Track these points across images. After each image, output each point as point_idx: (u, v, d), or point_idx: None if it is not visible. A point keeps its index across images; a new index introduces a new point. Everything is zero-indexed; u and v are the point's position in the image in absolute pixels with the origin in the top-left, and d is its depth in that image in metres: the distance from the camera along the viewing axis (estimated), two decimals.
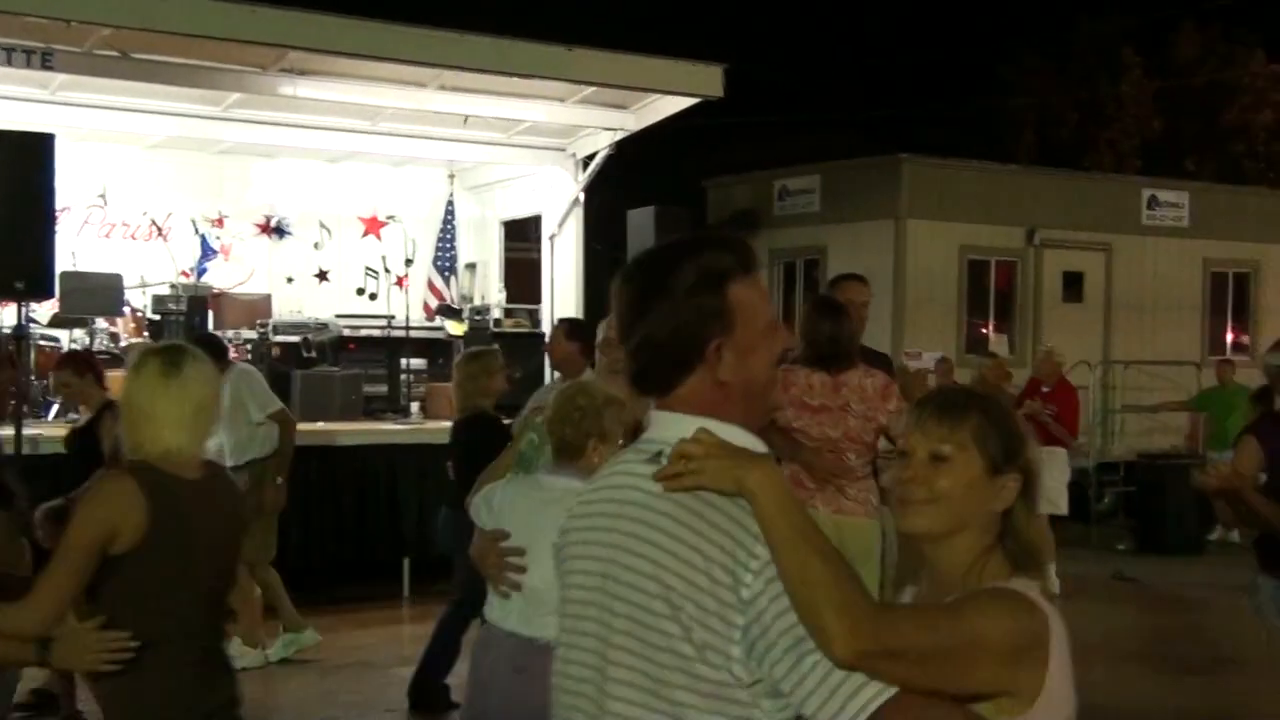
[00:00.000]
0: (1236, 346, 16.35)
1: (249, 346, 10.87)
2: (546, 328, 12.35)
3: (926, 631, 1.78)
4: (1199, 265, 16.20)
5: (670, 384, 1.92)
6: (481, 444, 5.77)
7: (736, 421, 1.90)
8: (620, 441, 3.29)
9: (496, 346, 6.52)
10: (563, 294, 12.17)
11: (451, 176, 12.94)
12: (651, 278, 1.98)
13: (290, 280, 12.42)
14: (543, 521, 3.15)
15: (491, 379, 6.13)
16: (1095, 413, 14.57)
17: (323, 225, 12.65)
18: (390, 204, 12.66)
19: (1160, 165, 22.29)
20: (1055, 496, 9.52)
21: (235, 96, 10.36)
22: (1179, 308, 15.94)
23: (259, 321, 11.21)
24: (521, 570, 3.22)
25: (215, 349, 6.58)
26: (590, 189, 12.02)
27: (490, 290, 13.22)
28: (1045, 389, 9.67)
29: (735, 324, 1.92)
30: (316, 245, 12.63)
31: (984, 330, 15.10)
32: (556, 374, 6.37)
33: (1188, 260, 16.04)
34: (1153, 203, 15.94)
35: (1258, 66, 25.14)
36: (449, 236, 12.86)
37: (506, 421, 6.22)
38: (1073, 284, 15.42)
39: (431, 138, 11.60)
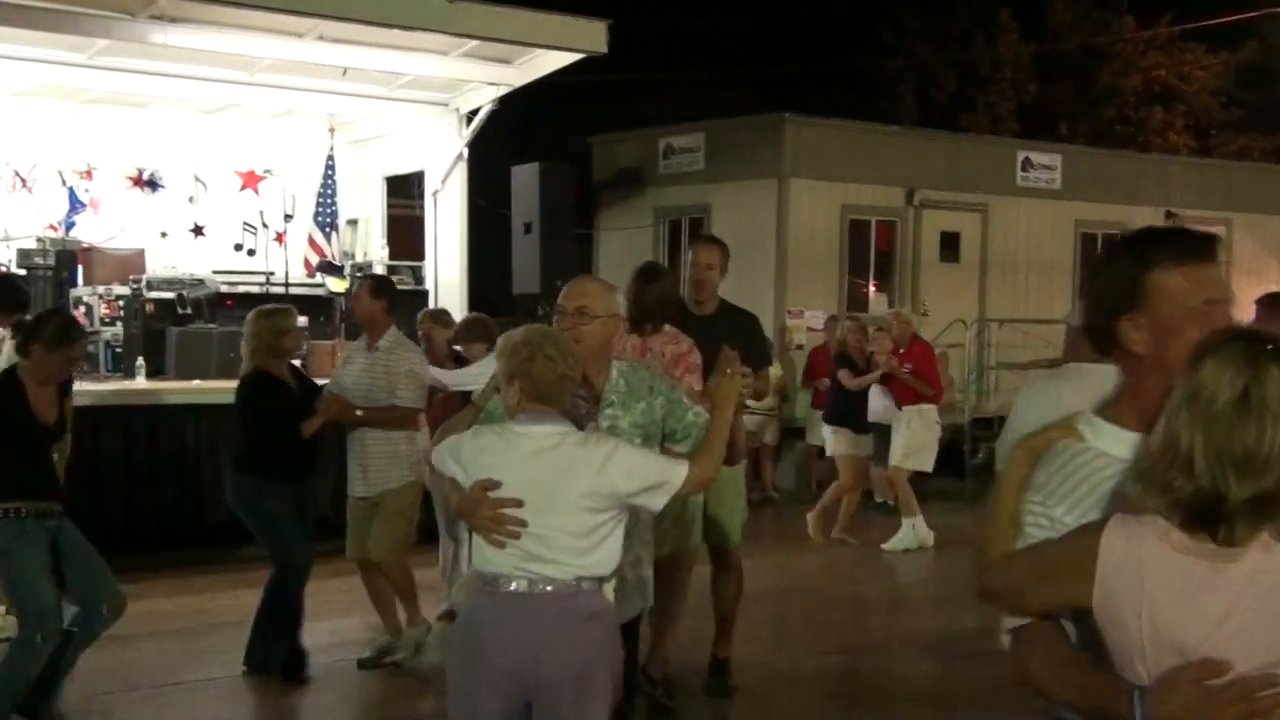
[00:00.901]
0: None
1: (121, 303, 10.56)
2: (431, 285, 12.24)
3: None
4: (1070, 226, 16.69)
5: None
6: (265, 404, 5.73)
7: None
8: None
9: (291, 306, 6.36)
10: (446, 251, 12.06)
11: (332, 130, 12.68)
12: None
13: (164, 235, 12.08)
14: (539, 471, 3.22)
15: (281, 338, 5.96)
16: (970, 370, 14.98)
17: (198, 179, 12.31)
18: (268, 158, 12.36)
19: (1035, 128, 22.84)
20: (923, 453, 9.80)
21: (102, 43, 9.99)
22: (1051, 268, 16.43)
23: (132, 277, 10.89)
24: (521, 522, 3.20)
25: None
26: (474, 145, 11.90)
27: (372, 247, 13.03)
28: (900, 350, 9.93)
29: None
30: (191, 199, 12.29)
31: (865, 289, 15.38)
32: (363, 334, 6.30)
33: (1060, 221, 16.52)
34: (1027, 165, 16.36)
35: (1128, 32, 25.86)
36: (330, 192, 12.62)
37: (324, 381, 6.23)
38: (950, 244, 15.78)
39: (310, 90, 11.35)
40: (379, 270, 12.29)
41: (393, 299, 6.24)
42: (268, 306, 6.25)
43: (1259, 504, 1.79)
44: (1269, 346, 1.84)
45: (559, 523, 3.20)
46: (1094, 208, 16.82)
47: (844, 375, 9.77)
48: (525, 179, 10.70)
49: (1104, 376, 4.64)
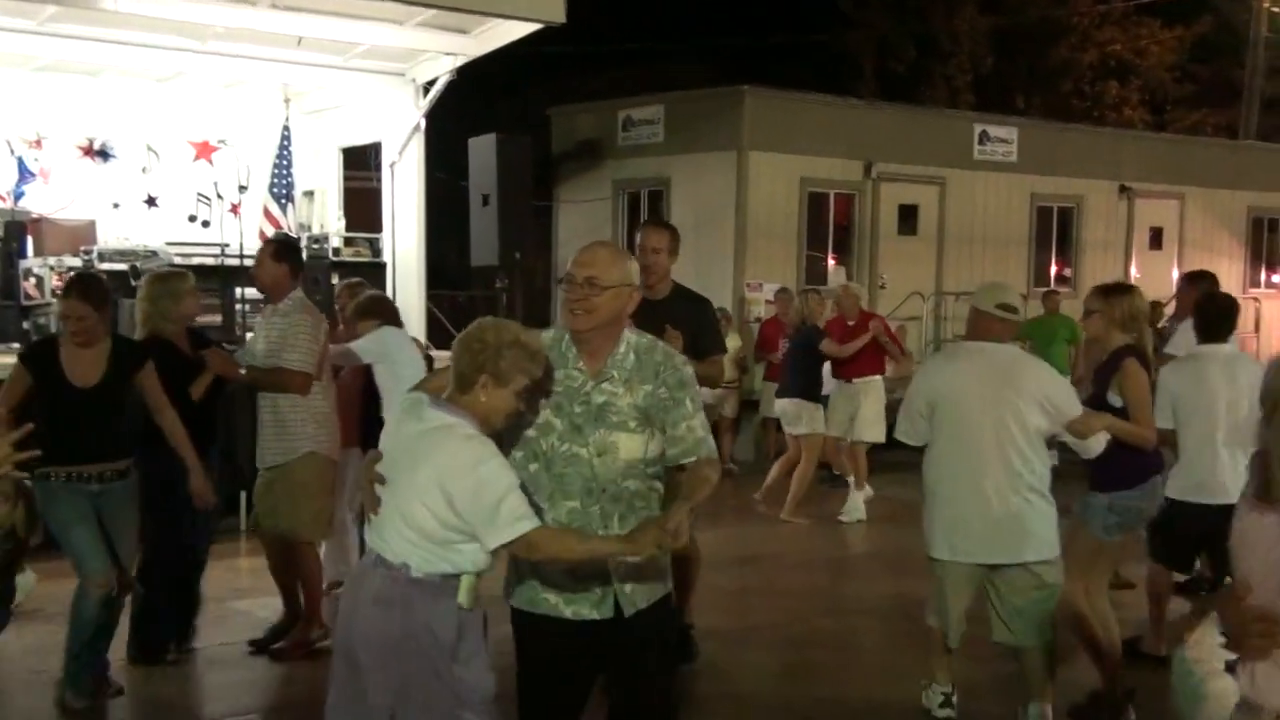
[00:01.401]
0: (1060, 279, 17.09)
1: (72, 275, 10.40)
2: (388, 257, 12.16)
3: None
4: (1026, 199, 16.82)
5: None
6: (158, 369, 5.48)
7: None
8: (520, 387, 3.19)
9: (187, 271, 6.23)
10: (404, 223, 11.97)
11: (287, 100, 12.52)
12: None
13: (116, 206, 11.90)
14: (413, 448, 3.16)
15: (177, 303, 5.77)
16: (928, 342, 15.09)
17: (150, 149, 12.13)
18: (222, 128, 12.20)
19: (993, 101, 22.96)
20: (873, 424, 9.90)
21: (52, 9, 9.80)
22: (1007, 241, 16.56)
23: (83, 249, 10.74)
24: (377, 497, 3.20)
25: None
26: (432, 116, 11.80)
27: (329, 219, 12.92)
28: (850, 323, 10.00)
29: None
30: (144, 169, 12.11)
31: (824, 262, 15.43)
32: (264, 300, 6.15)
33: (1016, 194, 16.64)
34: (984, 138, 16.45)
35: (1084, 7, 26.01)
36: (285, 163, 12.47)
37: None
38: (908, 217, 15.86)
39: (264, 59, 11.20)
40: (336, 243, 12.19)
41: (296, 263, 6.10)
42: (162, 270, 6.09)
43: None
44: None
45: (398, 504, 3.17)
46: (1049, 181, 16.96)
47: (828, 344, 9.75)
48: (483, 151, 10.61)
49: (994, 354, 4.86)
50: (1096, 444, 4.82)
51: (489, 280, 10.27)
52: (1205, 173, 18.63)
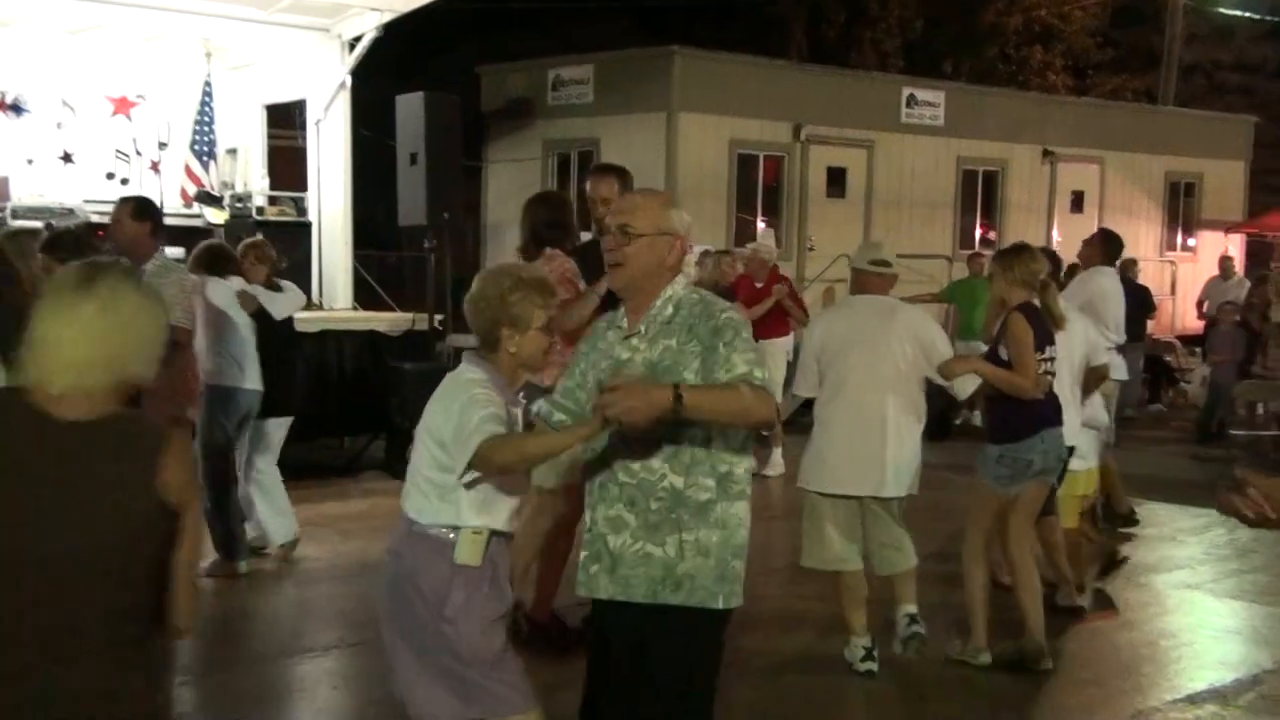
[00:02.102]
0: (985, 241, 17.31)
1: None
2: (314, 217, 11.97)
3: None
4: (953, 163, 16.99)
5: None
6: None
7: None
8: (542, 322, 3.18)
9: (38, 227, 6.08)
10: (330, 182, 11.79)
11: (208, 55, 12.22)
12: None
13: (30, 162, 11.56)
14: (442, 404, 3.20)
15: (27, 262, 5.61)
16: None
17: (65, 103, 11.77)
18: (141, 83, 11.88)
19: (921, 66, 23.10)
20: (775, 386, 10.01)
21: None
22: (934, 204, 16.73)
23: None
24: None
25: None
26: (358, 73, 11.60)
27: (253, 177, 12.67)
28: (758, 285, 10.08)
29: None
30: (59, 125, 11.77)
31: (753, 224, 15.48)
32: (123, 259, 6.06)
33: (942, 158, 16.80)
34: (911, 102, 16.57)
35: None
36: (207, 119, 12.19)
37: None
38: (836, 179, 15.95)
39: (184, 11, 10.92)
40: (260, 202, 11.98)
41: (157, 221, 5.99)
42: (9, 229, 5.91)
43: None
44: None
45: (416, 453, 3.24)
46: (975, 144, 17.14)
47: (737, 307, 9.81)
48: (410, 108, 10.47)
49: (874, 304, 5.17)
50: (963, 386, 5.19)
51: (418, 241, 10.15)
52: (1125, 138, 18.95)
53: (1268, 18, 25.94)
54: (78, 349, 2.12)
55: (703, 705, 3.12)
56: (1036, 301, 5.24)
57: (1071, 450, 5.53)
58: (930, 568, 6.01)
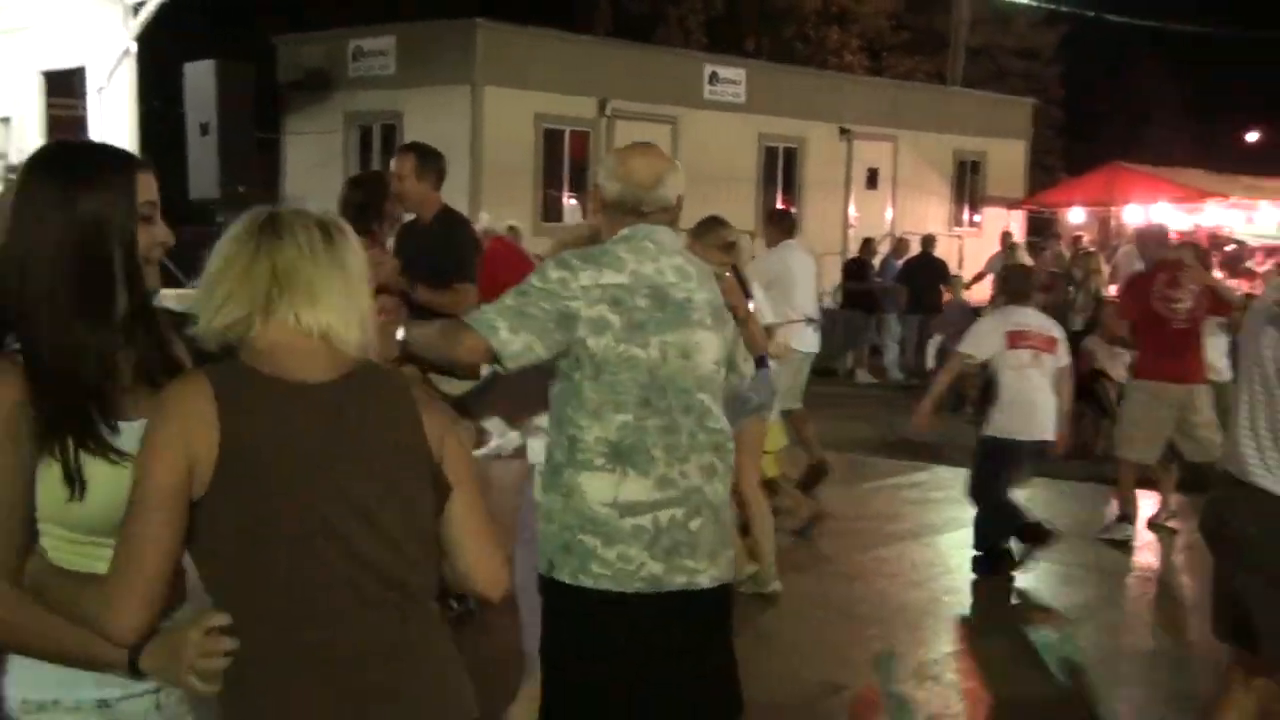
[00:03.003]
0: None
1: None
2: None
3: None
4: (754, 140, 17.37)
5: None
6: None
7: None
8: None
9: None
10: None
11: None
12: None
13: None
14: None
15: None
16: None
17: None
18: None
19: (724, 43, 23.50)
20: None
21: None
22: (736, 179, 17.07)
23: None
24: None
25: None
26: (144, 40, 11.10)
27: (29, 148, 12.01)
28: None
29: None
30: None
31: (560, 199, 15.50)
32: None
33: (744, 135, 17.16)
34: (714, 79, 16.85)
35: None
36: None
37: None
38: None
39: None
40: None
41: None
42: None
43: None
44: None
45: None
46: (776, 122, 17.56)
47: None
48: (200, 77, 10.08)
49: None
50: None
51: (209, 213, 9.79)
52: (916, 117, 19.72)
53: (1044, 5, 27.31)
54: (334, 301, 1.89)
55: (549, 673, 2.95)
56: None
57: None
58: None
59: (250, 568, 1.81)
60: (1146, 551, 7.08)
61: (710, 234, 5.57)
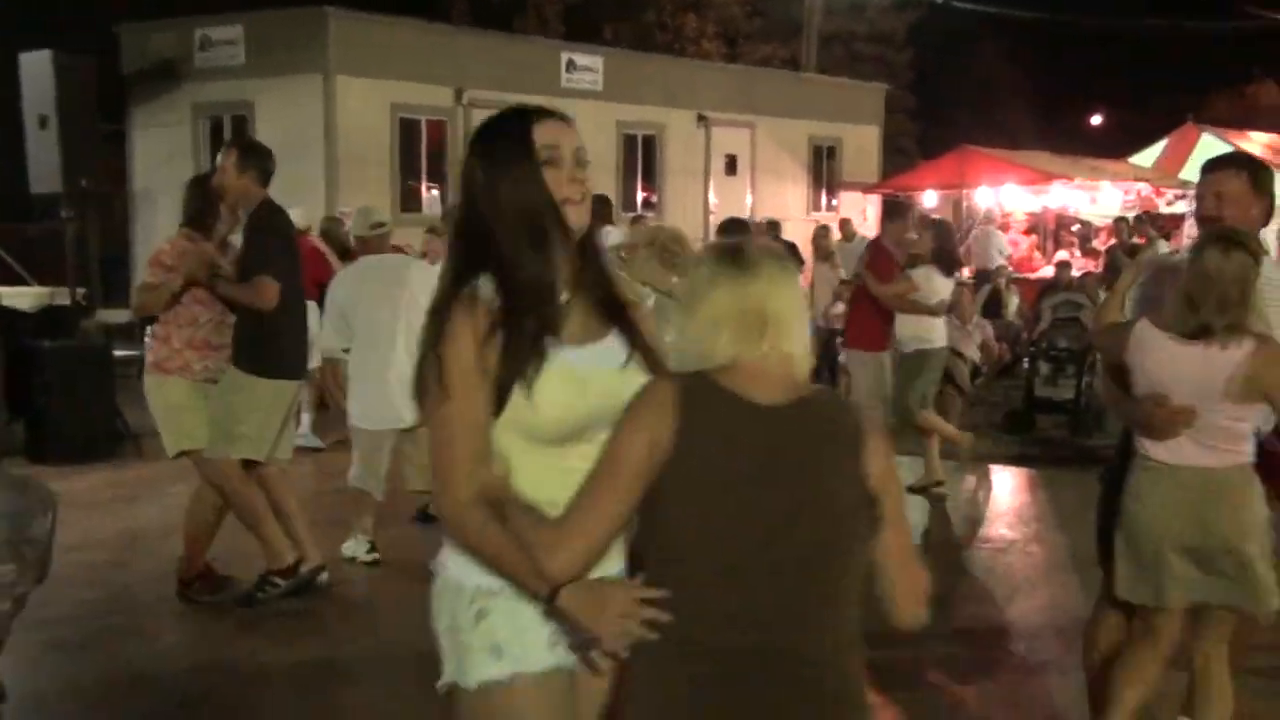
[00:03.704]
0: (647, 204, 17.92)
1: None
2: None
3: None
4: (613, 127, 17.44)
5: None
6: None
7: None
8: None
9: None
10: None
11: None
12: None
13: None
14: None
15: None
16: None
17: None
18: None
19: (582, 32, 23.51)
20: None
21: None
22: (596, 167, 16.76)
23: None
24: None
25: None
26: None
27: None
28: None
29: None
30: None
31: (419, 189, 15.37)
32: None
33: (603, 122, 17.21)
34: (571, 66, 16.87)
35: None
36: None
37: None
38: None
39: None
40: None
41: None
42: None
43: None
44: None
45: None
46: (634, 109, 17.66)
47: None
48: (37, 68, 9.70)
49: (385, 262, 6.24)
50: None
51: (51, 208, 9.48)
52: (773, 103, 20.03)
53: None
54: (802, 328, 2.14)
55: None
56: None
57: None
58: None
59: (679, 558, 2.01)
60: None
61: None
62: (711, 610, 2.00)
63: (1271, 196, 3.63)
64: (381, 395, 5.98)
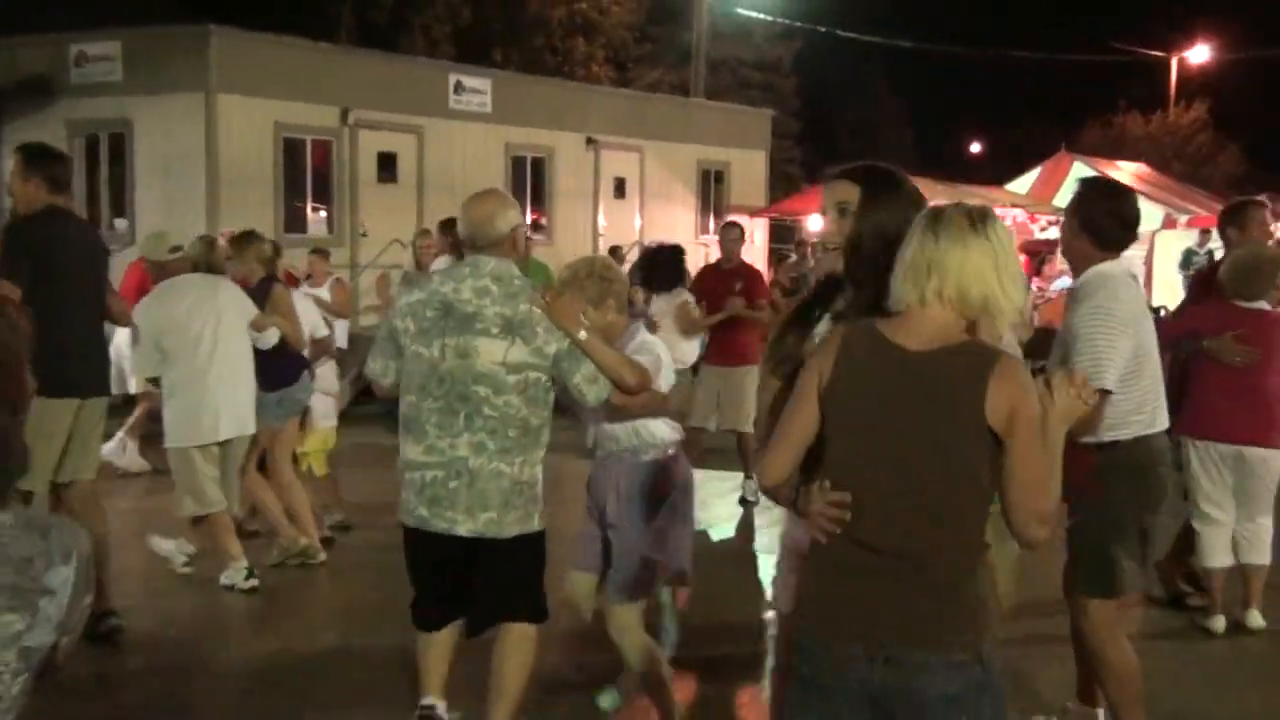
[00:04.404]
0: (536, 226, 17.89)
1: None
2: None
3: None
4: (502, 149, 17.41)
5: None
6: None
7: None
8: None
9: None
10: None
11: None
12: None
13: None
14: None
15: None
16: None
17: None
18: None
19: (472, 54, 23.46)
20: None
21: None
22: (484, 188, 17.05)
23: None
24: None
25: None
26: None
27: None
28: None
29: None
30: None
31: (304, 209, 15.14)
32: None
33: (492, 144, 17.18)
34: (459, 88, 16.81)
35: None
36: None
37: None
38: (387, 165, 15.91)
39: None
40: None
41: None
42: None
43: None
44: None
45: None
46: (523, 132, 17.66)
47: None
48: None
49: (203, 283, 6.12)
50: (266, 340, 6.27)
51: None
52: (661, 128, 20.20)
53: (779, 20, 28.48)
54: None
55: None
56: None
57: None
58: None
59: (834, 474, 2.44)
60: None
61: (251, 248, 6.63)
62: (860, 514, 2.40)
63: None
64: (188, 413, 5.99)
